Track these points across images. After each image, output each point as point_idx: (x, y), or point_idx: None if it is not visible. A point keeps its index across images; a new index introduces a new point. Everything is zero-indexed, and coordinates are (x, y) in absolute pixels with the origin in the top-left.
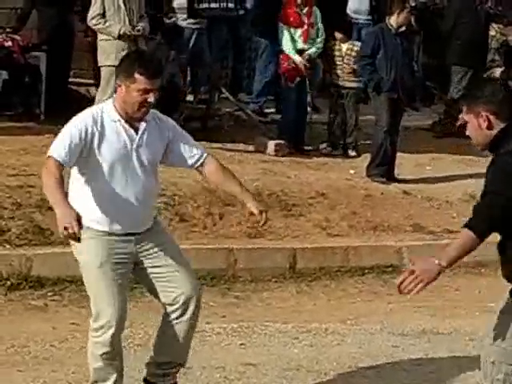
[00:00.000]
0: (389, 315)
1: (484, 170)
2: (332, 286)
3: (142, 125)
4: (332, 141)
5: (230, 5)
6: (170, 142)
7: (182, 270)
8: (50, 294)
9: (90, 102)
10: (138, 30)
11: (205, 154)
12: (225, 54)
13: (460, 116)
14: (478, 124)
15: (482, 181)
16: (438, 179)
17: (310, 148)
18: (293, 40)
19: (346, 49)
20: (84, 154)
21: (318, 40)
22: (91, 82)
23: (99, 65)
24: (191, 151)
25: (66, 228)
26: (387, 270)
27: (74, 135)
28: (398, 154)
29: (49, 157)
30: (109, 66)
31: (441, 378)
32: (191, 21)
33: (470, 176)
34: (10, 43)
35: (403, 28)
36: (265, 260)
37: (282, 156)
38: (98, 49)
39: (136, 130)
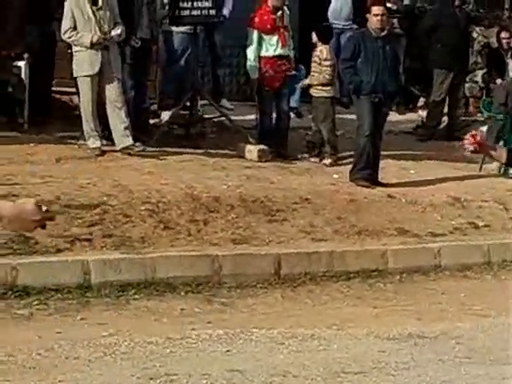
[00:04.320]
0: (375, 319)
1: (467, 173)
2: (317, 291)
3: None
4: (309, 148)
5: (212, 12)
6: None
7: None
8: (35, 303)
9: (72, 110)
10: (111, 37)
11: None
12: (206, 60)
13: (443, 119)
14: None
15: (464, 183)
16: (421, 182)
17: (292, 154)
18: (260, 46)
19: (315, 56)
20: None
21: (292, 43)
22: (74, 90)
23: (74, 75)
24: None
25: None
26: (372, 275)
27: None
28: (382, 158)
29: None
30: (83, 76)
31: (427, 381)
32: (178, 28)
33: (454, 179)
34: None
35: (385, 32)
36: (250, 266)
37: (266, 162)
38: (73, 60)
39: None
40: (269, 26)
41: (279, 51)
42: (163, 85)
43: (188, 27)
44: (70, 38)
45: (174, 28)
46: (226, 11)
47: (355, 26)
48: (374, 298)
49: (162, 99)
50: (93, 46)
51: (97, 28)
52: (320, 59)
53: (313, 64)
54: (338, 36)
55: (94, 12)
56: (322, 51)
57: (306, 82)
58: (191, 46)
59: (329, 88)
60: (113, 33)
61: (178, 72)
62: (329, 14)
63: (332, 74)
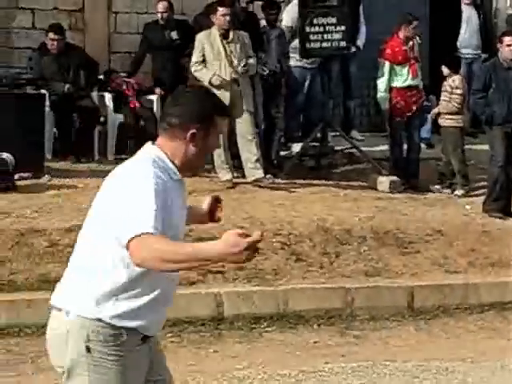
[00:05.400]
0: (510, 352)
1: None
2: (451, 323)
3: None
4: (440, 179)
5: (342, 43)
6: None
7: None
8: (169, 334)
9: None
10: (241, 72)
11: None
12: (337, 91)
13: None
14: None
15: None
16: None
17: (423, 185)
18: (391, 77)
19: (447, 85)
20: None
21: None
22: None
23: None
24: None
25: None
26: (507, 307)
27: None
28: None
29: None
30: None
31: None
32: (305, 61)
33: None
34: (124, 87)
35: None
36: (382, 298)
37: (397, 193)
38: None
39: None
40: (400, 58)
41: (409, 82)
42: (287, 118)
43: (310, 60)
44: (195, 72)
45: (292, 62)
46: (360, 42)
47: (484, 55)
48: (509, 330)
49: (287, 132)
50: (211, 85)
51: (227, 62)
52: (451, 88)
53: (443, 93)
54: (468, 65)
55: (224, 46)
56: (454, 80)
57: (436, 110)
58: (314, 78)
59: (457, 117)
60: (239, 68)
61: (301, 105)
62: (458, 43)
63: (461, 103)
